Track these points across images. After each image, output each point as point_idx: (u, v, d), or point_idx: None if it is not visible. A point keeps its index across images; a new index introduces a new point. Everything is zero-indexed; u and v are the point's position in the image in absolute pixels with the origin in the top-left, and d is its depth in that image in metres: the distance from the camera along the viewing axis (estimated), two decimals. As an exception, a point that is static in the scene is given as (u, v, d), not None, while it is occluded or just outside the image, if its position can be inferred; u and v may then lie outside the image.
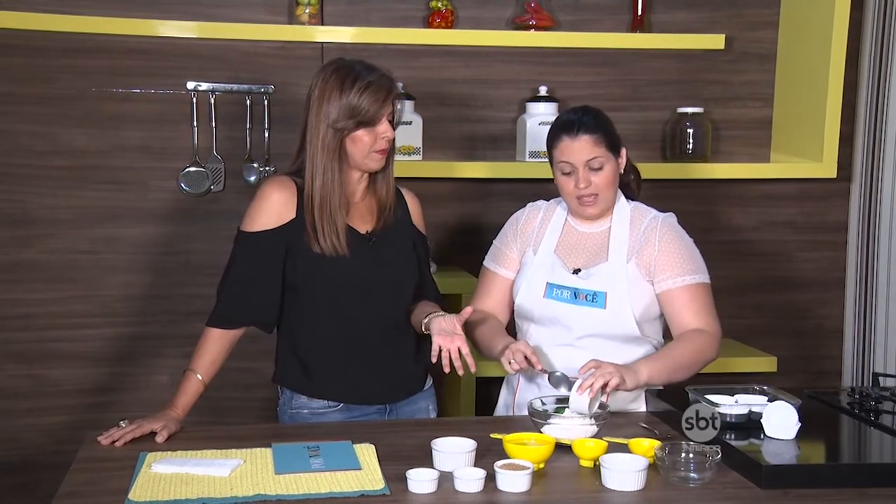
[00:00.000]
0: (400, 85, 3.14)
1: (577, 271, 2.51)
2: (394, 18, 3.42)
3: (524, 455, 2.03)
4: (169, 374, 3.32)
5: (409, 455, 2.11)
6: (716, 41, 3.49)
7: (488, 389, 3.20)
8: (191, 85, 3.34)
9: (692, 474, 1.98)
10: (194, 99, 3.35)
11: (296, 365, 2.49)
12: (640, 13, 3.48)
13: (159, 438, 2.24)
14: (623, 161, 2.54)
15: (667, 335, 2.55)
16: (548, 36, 3.44)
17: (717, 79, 3.60)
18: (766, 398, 2.31)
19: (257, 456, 2.13)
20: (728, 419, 2.22)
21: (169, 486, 1.96)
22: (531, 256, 2.58)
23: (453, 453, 2.03)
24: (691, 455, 2.01)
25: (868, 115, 3.56)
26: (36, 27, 3.23)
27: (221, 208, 3.40)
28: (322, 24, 3.36)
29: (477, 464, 2.02)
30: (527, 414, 2.28)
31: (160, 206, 3.40)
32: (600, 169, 2.47)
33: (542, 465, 2.05)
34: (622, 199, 2.58)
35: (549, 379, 2.35)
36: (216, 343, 2.42)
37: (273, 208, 2.41)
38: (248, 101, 3.37)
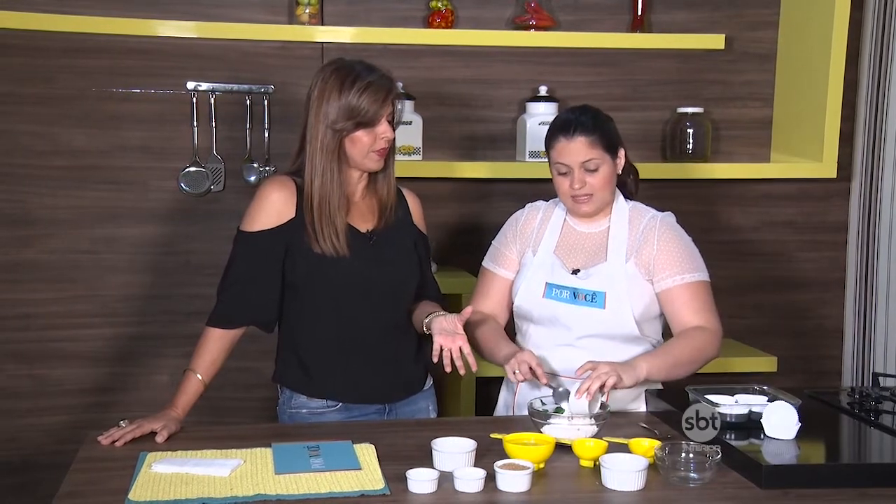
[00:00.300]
0: (400, 85, 3.14)
1: (576, 271, 2.51)
2: (394, 18, 3.42)
3: (524, 455, 2.03)
4: (169, 374, 3.32)
5: (409, 455, 2.11)
6: (716, 41, 3.49)
7: (488, 389, 3.19)
8: (191, 85, 3.34)
9: (692, 474, 1.98)
10: (194, 99, 3.35)
11: (296, 364, 2.49)
12: (640, 13, 3.48)
13: (159, 438, 2.24)
14: (621, 161, 2.54)
15: (666, 334, 2.55)
16: (548, 36, 3.43)
17: (717, 79, 3.60)
18: (766, 398, 2.31)
19: (257, 456, 2.13)
20: (728, 419, 2.22)
21: (169, 486, 1.96)
22: (530, 257, 2.58)
23: (453, 453, 2.03)
24: (691, 455, 2.01)
25: (868, 114, 3.56)
26: (36, 27, 3.22)
27: (221, 208, 3.39)
28: (322, 24, 3.36)
29: (477, 464, 2.02)
30: (527, 414, 2.28)
31: (160, 206, 3.40)
32: (596, 170, 2.47)
33: (542, 465, 2.05)
34: (620, 198, 2.58)
35: (553, 394, 2.34)
36: (216, 343, 2.42)
37: (273, 208, 2.41)
38: (248, 101, 3.37)
